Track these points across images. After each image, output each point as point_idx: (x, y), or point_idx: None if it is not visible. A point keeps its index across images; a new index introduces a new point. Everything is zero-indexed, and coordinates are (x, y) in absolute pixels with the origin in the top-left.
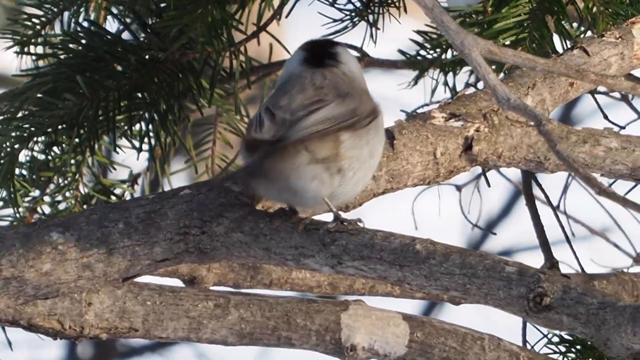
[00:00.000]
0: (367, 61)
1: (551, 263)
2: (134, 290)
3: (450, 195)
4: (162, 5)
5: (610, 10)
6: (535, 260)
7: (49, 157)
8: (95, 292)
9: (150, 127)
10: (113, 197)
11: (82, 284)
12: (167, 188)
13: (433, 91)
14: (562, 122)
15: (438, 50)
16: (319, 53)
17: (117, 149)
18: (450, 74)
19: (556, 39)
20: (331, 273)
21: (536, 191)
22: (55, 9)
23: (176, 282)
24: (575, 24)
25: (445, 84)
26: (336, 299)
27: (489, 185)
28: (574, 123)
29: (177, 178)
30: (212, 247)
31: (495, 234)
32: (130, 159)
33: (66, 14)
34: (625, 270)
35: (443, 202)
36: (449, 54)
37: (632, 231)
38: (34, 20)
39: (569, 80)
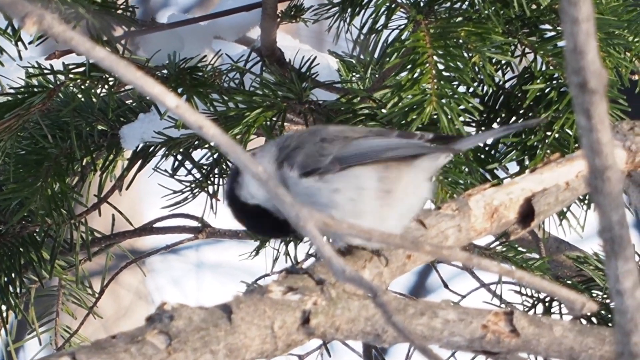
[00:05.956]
0: (209, 232)
1: None
2: None
3: None
4: (2, 178)
5: (449, 179)
6: None
7: None
8: None
9: None
10: None
11: None
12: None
13: (275, 261)
14: (416, 291)
15: None
16: None
17: None
18: (292, 244)
19: None
20: None
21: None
22: None
23: None
24: None
25: (287, 254)
26: None
27: (329, 355)
28: (429, 291)
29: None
30: None
31: None
32: None
33: None
34: None
35: None
36: None
37: None
38: None
39: (407, 253)
